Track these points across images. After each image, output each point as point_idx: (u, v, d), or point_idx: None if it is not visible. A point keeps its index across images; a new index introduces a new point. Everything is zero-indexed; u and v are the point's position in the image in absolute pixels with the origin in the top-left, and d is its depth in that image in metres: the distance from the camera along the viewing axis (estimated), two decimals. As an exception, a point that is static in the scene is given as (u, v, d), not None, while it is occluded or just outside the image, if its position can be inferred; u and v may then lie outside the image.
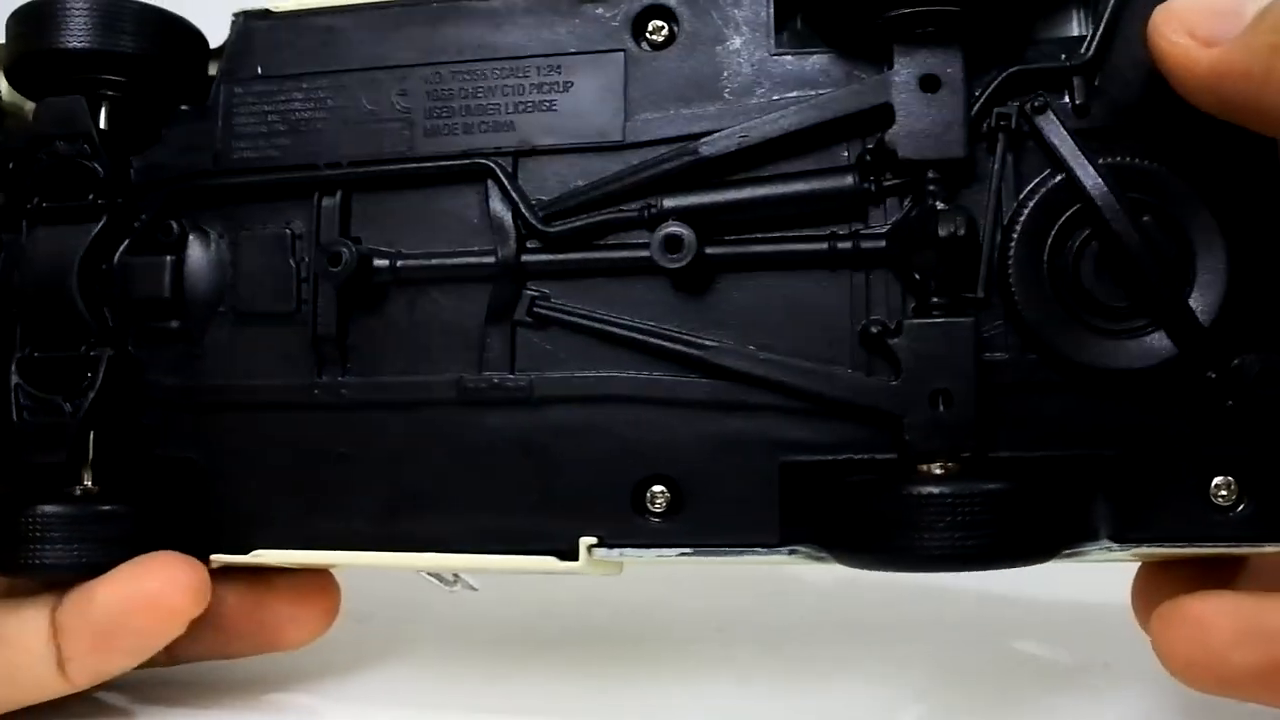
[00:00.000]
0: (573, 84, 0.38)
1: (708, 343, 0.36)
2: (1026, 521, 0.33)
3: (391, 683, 0.43)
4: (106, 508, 0.39)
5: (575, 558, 0.36)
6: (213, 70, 0.43)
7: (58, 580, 0.39)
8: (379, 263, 0.38)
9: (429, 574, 0.41)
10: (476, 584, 0.43)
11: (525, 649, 0.46)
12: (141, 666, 0.40)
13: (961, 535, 0.33)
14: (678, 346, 0.36)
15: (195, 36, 0.42)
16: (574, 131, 0.38)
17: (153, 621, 0.37)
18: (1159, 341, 0.34)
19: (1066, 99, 0.36)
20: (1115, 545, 0.34)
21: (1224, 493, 0.34)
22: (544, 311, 0.37)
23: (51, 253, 0.40)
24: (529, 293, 0.37)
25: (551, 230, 0.37)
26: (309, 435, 0.38)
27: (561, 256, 0.37)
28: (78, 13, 0.40)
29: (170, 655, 0.41)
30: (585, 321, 0.37)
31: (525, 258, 0.37)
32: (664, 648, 0.45)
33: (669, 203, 0.36)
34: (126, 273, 0.40)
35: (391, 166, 0.39)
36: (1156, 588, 0.37)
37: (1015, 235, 0.35)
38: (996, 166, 0.36)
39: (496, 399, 0.37)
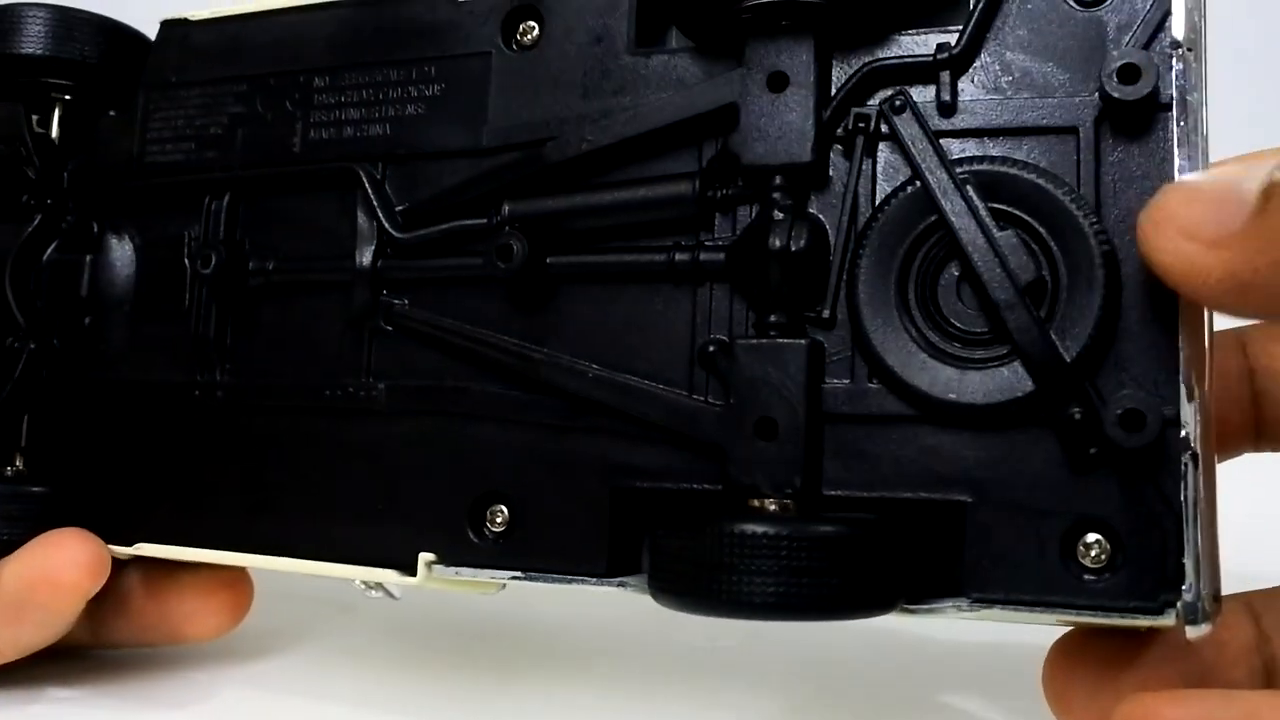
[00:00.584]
0: (444, 88, 0.36)
1: (536, 355, 0.33)
2: (859, 570, 0.29)
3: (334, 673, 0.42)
4: (20, 488, 0.39)
5: (414, 573, 0.34)
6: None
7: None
8: (254, 265, 0.37)
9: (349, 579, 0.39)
10: (398, 593, 0.41)
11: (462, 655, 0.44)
12: (69, 646, 0.40)
13: (784, 581, 0.29)
14: (512, 359, 0.34)
15: (145, 47, 0.42)
16: (438, 136, 0.36)
17: (53, 596, 0.38)
18: (1017, 374, 0.29)
19: (932, 97, 0.31)
20: (969, 604, 0.29)
21: (1094, 553, 0.28)
22: (399, 320, 0.36)
23: (-7, 251, 0.41)
24: (388, 301, 0.36)
25: (404, 237, 0.35)
26: (188, 433, 0.38)
27: (415, 264, 0.35)
28: (34, 20, 0.41)
29: (96, 637, 0.41)
30: (434, 332, 0.35)
31: (381, 264, 0.35)
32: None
33: (512, 209, 0.34)
34: (54, 271, 0.41)
35: (273, 170, 0.38)
36: (1068, 662, 0.32)
37: (865, 248, 0.31)
38: (854, 171, 0.31)
39: (350, 408, 0.36)
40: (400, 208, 0.36)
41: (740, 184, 0.32)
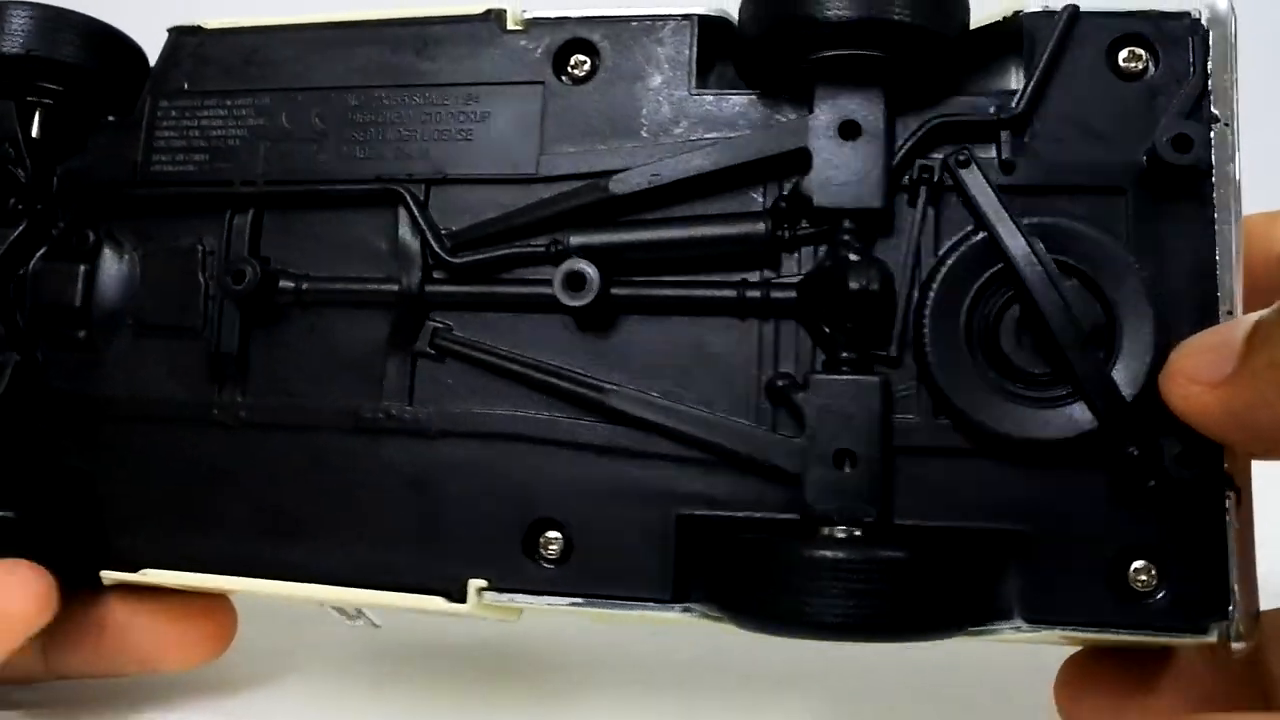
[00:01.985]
0: (490, 114, 0.34)
1: (606, 385, 0.32)
2: (928, 594, 0.29)
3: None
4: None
5: (463, 599, 0.32)
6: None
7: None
8: (284, 283, 0.34)
9: (331, 606, 0.37)
10: (379, 620, 0.39)
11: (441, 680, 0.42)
12: (16, 680, 0.36)
13: (856, 604, 0.29)
14: (576, 388, 0.32)
15: (135, 52, 0.39)
16: (488, 162, 0.34)
17: None
18: (1079, 413, 0.30)
19: (994, 153, 0.31)
20: (1026, 626, 0.29)
21: (1143, 578, 0.29)
22: (445, 344, 0.33)
23: (-30, 255, 0.37)
24: (432, 323, 0.34)
25: (457, 261, 0.33)
26: (202, 453, 0.35)
27: (465, 288, 0.33)
28: (18, 19, 0.37)
29: (50, 668, 0.37)
30: (486, 356, 0.33)
31: (429, 288, 0.33)
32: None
33: (576, 239, 0.33)
34: (40, 279, 0.37)
35: (303, 187, 0.35)
36: (1080, 679, 0.33)
37: (932, 293, 0.31)
38: (917, 220, 0.31)
39: (391, 429, 0.33)
40: (444, 230, 0.34)
41: (808, 225, 0.32)
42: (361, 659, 0.42)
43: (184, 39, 0.38)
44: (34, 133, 0.38)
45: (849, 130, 0.32)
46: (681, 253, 0.33)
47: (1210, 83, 0.31)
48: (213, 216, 0.37)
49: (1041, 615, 0.30)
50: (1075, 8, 0.32)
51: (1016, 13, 0.33)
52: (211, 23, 0.38)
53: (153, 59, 0.39)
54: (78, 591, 0.36)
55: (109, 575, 0.36)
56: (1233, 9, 0.32)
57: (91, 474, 0.36)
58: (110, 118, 0.38)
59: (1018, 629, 0.30)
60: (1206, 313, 0.30)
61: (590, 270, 0.32)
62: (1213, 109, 0.31)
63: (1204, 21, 0.31)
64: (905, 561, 0.29)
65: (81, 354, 0.37)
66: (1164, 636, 0.30)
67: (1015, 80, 0.33)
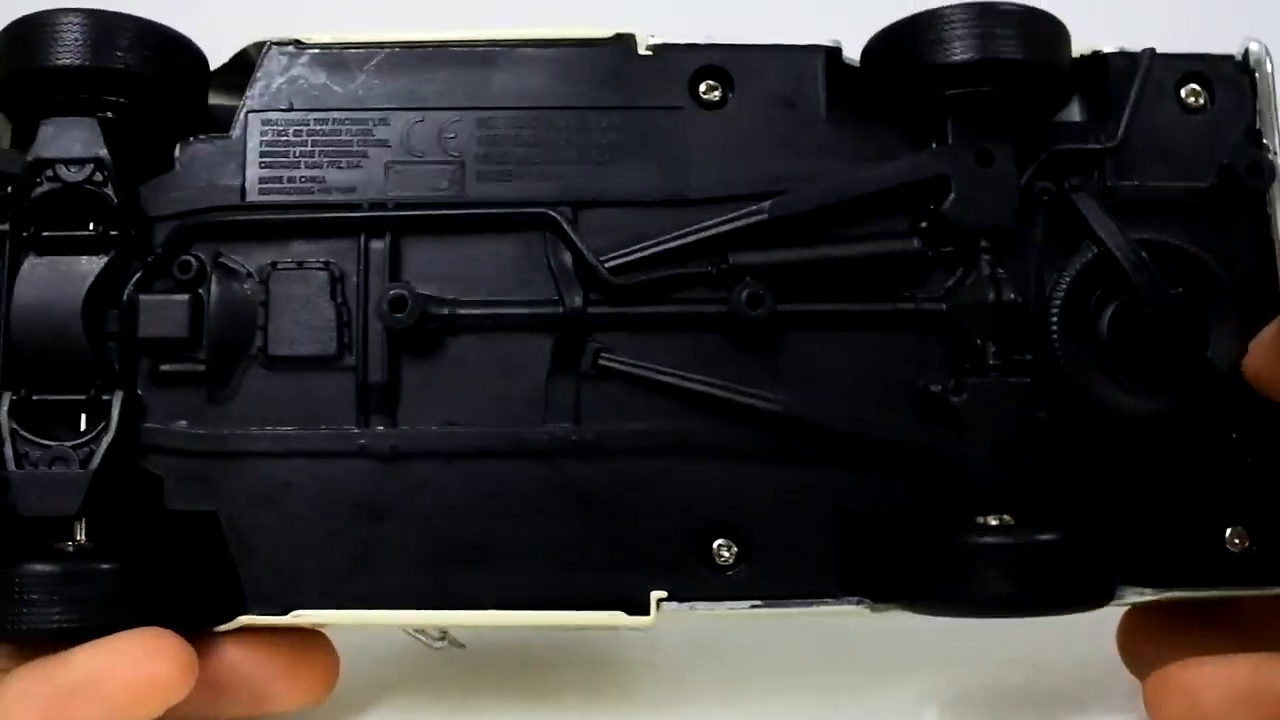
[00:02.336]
0: (629, 138, 0.35)
1: (772, 396, 0.34)
2: (1083, 570, 0.33)
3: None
4: (84, 565, 0.33)
5: (645, 612, 0.33)
6: (213, 96, 0.37)
7: (40, 644, 0.32)
8: (434, 309, 0.34)
9: (413, 632, 0.36)
10: (464, 640, 0.39)
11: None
12: None
13: (1024, 583, 0.32)
14: (743, 399, 0.34)
15: (197, 57, 0.36)
16: (634, 185, 0.35)
17: (127, 708, 0.31)
18: (1183, 399, 0.35)
19: (1095, 178, 0.35)
20: (1148, 590, 0.34)
21: (1237, 540, 0.34)
22: (608, 364, 0.34)
23: (51, 287, 0.34)
24: (593, 344, 0.34)
25: (620, 282, 0.34)
26: (352, 487, 0.34)
27: (628, 309, 0.34)
28: (73, 28, 0.35)
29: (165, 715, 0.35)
30: (650, 374, 0.34)
31: (591, 309, 0.34)
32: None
33: (739, 259, 0.34)
34: (137, 310, 0.34)
35: (447, 211, 0.34)
36: (1144, 631, 0.38)
37: (1058, 302, 0.35)
38: (1039, 237, 0.35)
39: (559, 452, 0.34)
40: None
41: (945, 244, 0.35)
42: (454, 679, 0.42)
43: (283, 53, 0.36)
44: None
45: (984, 158, 0.35)
46: (839, 271, 0.35)
47: (1260, 117, 0.37)
48: (338, 239, 0.35)
49: (1162, 578, 0.35)
50: (1154, 50, 0.37)
51: (1095, 52, 0.37)
52: (313, 37, 0.36)
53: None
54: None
55: (251, 620, 0.34)
56: (1267, 52, 0.37)
57: (217, 515, 0.34)
58: (203, 136, 0.36)
59: (1140, 594, 0.35)
60: (1271, 309, 0.36)
61: (764, 291, 0.34)
62: (1265, 140, 0.37)
63: (1251, 63, 0.37)
64: (1061, 543, 0.33)
65: (194, 388, 0.35)
66: (1256, 589, 0.35)
67: (1078, 112, 0.38)
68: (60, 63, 0.34)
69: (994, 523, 0.34)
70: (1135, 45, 0.37)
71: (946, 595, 0.33)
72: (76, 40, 0.35)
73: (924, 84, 0.35)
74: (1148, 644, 0.38)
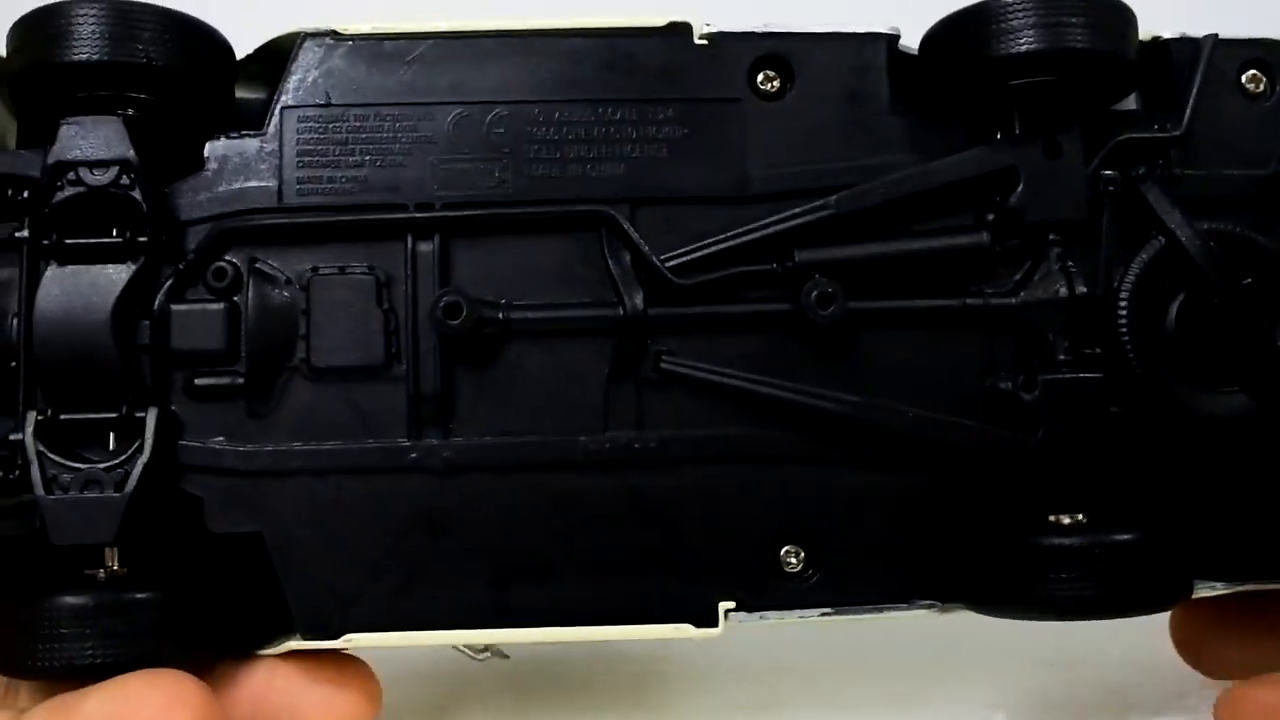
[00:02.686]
0: (688, 132, 0.34)
1: (843, 397, 0.32)
2: (1164, 567, 0.32)
3: None
4: (121, 596, 0.31)
5: (713, 623, 0.32)
6: (240, 90, 0.35)
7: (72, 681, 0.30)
8: (490, 314, 0.32)
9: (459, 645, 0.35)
10: (508, 651, 0.37)
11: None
12: None
13: (1101, 586, 0.32)
14: (812, 401, 0.33)
15: (223, 48, 0.34)
16: (693, 181, 0.33)
17: None
18: (1255, 396, 0.34)
19: (1160, 168, 0.34)
20: (1219, 584, 0.33)
21: None
22: (670, 368, 0.33)
23: (76, 297, 0.32)
24: (654, 348, 0.33)
25: (683, 282, 0.32)
26: (405, 502, 0.32)
27: (691, 310, 0.33)
28: (92, 20, 0.32)
29: None
30: (714, 378, 0.33)
31: (652, 311, 0.32)
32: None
33: (807, 256, 0.33)
34: (169, 320, 0.32)
35: (497, 210, 0.33)
36: (1199, 621, 0.37)
37: (1125, 295, 0.34)
38: (1106, 229, 0.34)
39: (622, 460, 0.33)
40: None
41: (1013, 239, 0.34)
42: (498, 692, 0.40)
43: (319, 45, 0.34)
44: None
45: (1052, 149, 0.34)
46: (907, 267, 0.34)
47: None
48: (382, 242, 0.34)
49: (1241, 573, 0.34)
50: (1216, 36, 0.36)
51: (1156, 39, 0.36)
52: (350, 28, 0.34)
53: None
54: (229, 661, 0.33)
55: (298, 644, 0.32)
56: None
57: (262, 536, 0.32)
58: (233, 134, 0.34)
59: (1212, 588, 0.34)
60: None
61: (834, 289, 0.32)
62: (1317, 129, 0.36)
63: None
64: (1138, 542, 0.32)
65: (233, 402, 0.33)
66: None
67: (1134, 101, 0.37)
68: (79, 58, 0.32)
69: (1067, 521, 0.33)
70: (1191, 31, 0.36)
71: (1021, 598, 0.32)
72: (96, 33, 0.32)
73: (990, 75, 0.33)
74: (1205, 633, 0.37)
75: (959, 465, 0.33)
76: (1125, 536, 0.32)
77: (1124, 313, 0.34)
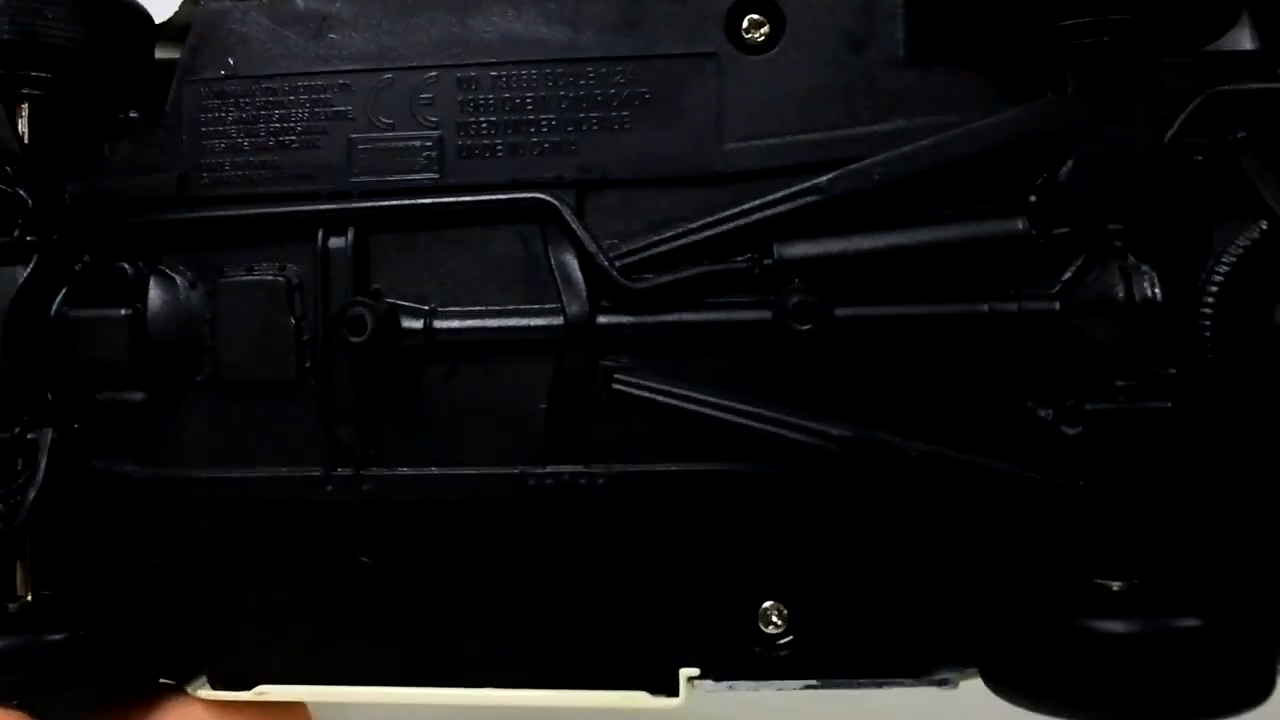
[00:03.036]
0: (651, 96, 0.27)
1: (834, 431, 0.26)
2: (1243, 659, 0.25)
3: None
4: (22, 639, 0.28)
5: (673, 692, 0.27)
6: (162, 58, 0.30)
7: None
8: (408, 323, 0.27)
9: None
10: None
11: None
12: None
13: (1164, 685, 0.25)
14: (794, 434, 0.26)
15: (138, 15, 0.29)
16: (655, 158, 0.27)
17: None
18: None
19: (1264, 132, 0.26)
20: None
21: None
22: (625, 388, 0.27)
23: (-40, 306, 0.28)
24: (604, 364, 0.27)
25: (637, 286, 0.26)
26: (321, 541, 0.28)
27: (648, 319, 0.27)
28: None
29: None
30: (676, 402, 0.27)
31: (601, 319, 0.27)
32: None
33: (788, 251, 0.26)
34: (68, 329, 0.28)
35: (420, 200, 0.27)
36: None
37: (1213, 298, 0.26)
38: (1186, 212, 0.26)
39: (567, 499, 0.27)
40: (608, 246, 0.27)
41: (1062, 225, 0.26)
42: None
43: (223, 5, 0.29)
44: (23, 137, 0.29)
45: (1114, 110, 0.26)
46: (916, 264, 0.27)
47: None
48: (296, 239, 0.29)
49: None
50: None
51: (1273, -48, 0.27)
52: (259, -14, 0.29)
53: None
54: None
55: (207, 694, 0.29)
56: None
57: (169, 572, 0.29)
58: (133, 114, 0.29)
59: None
60: None
61: (811, 296, 0.26)
62: None
63: None
64: (1214, 628, 0.25)
65: (139, 422, 0.29)
66: None
67: (1247, 38, 0.28)
68: None
69: (1117, 588, 0.26)
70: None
71: (1058, 692, 0.26)
72: None
73: (1034, 14, 0.26)
74: None
75: (979, 515, 0.27)
76: (1194, 621, 0.25)
77: (1209, 322, 0.26)
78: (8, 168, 0.28)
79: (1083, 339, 0.27)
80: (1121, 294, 0.26)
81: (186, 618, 0.29)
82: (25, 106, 0.30)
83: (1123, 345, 0.26)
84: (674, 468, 0.28)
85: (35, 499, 0.28)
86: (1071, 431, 0.26)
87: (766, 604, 0.28)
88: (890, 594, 0.27)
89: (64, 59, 0.29)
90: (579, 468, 0.28)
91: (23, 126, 0.29)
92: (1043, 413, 0.27)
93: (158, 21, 0.30)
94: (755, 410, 0.27)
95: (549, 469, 0.28)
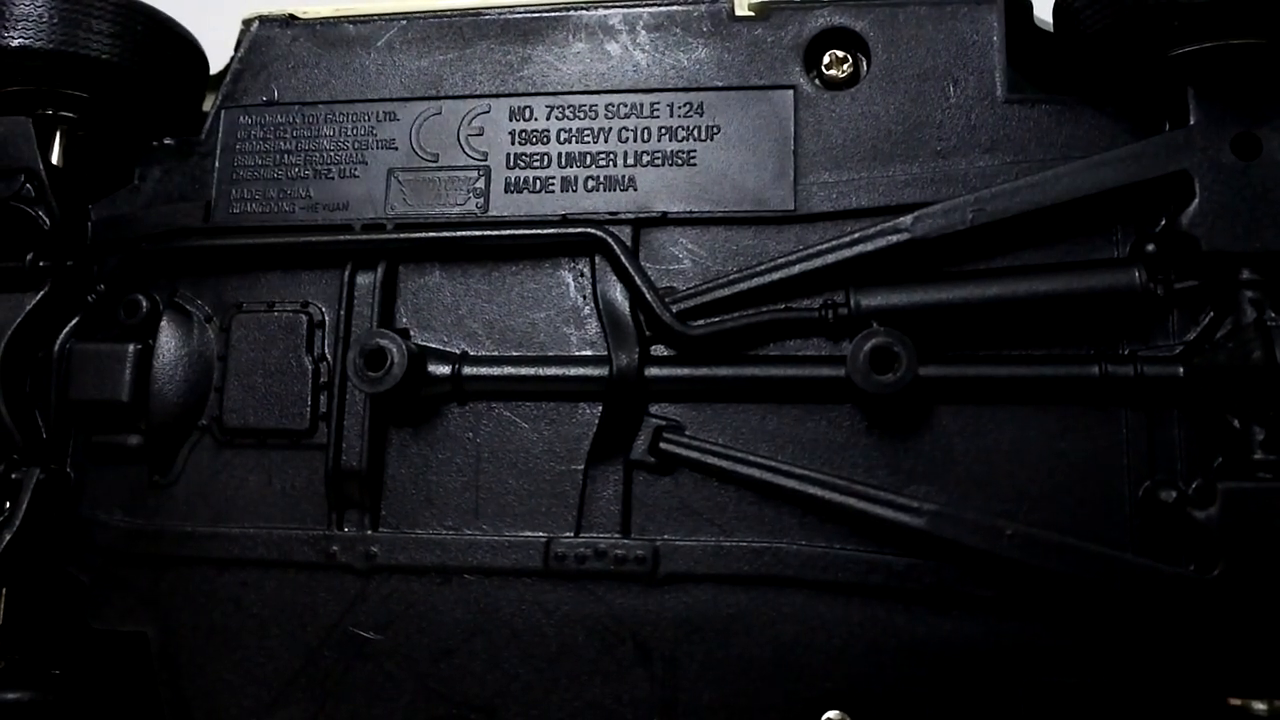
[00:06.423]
0: (719, 129, 0.25)
1: (919, 505, 0.22)
2: None
3: None
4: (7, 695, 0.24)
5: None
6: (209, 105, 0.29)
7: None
8: (436, 368, 0.24)
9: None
10: None
11: None
12: None
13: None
14: (875, 508, 0.22)
15: (190, 48, 0.28)
16: (720, 194, 0.25)
17: None
18: None
19: None
20: None
21: None
22: (674, 449, 0.23)
23: (-36, 332, 0.26)
24: (653, 420, 0.23)
25: (691, 332, 0.23)
26: (320, 607, 0.24)
27: (703, 371, 0.24)
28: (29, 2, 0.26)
29: None
30: (733, 466, 0.23)
31: (651, 370, 0.23)
32: None
33: (867, 300, 0.23)
34: (72, 363, 0.26)
35: (461, 232, 0.25)
36: None
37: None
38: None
39: (601, 572, 0.24)
40: (664, 289, 0.24)
41: (1192, 276, 0.23)
42: None
43: (270, 33, 0.27)
44: (55, 160, 0.27)
45: (1247, 144, 0.23)
46: (1014, 317, 0.23)
47: None
48: (324, 272, 0.26)
49: None
50: None
51: None
52: (308, 11, 0.27)
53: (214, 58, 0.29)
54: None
55: (183, 781, 0.25)
56: None
57: (150, 639, 0.25)
58: (167, 140, 0.28)
59: None
60: None
61: (899, 345, 0.22)
62: None
63: None
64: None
65: (133, 468, 0.26)
66: None
67: None
68: (11, 43, 0.27)
69: (1260, 711, 0.21)
70: None
71: None
72: (34, 16, 0.27)
73: (1151, 39, 0.23)
74: None
75: (1089, 610, 0.22)
76: None
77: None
78: (29, 185, 0.26)
79: (1213, 407, 0.23)
80: (1259, 354, 0.22)
81: (164, 689, 0.25)
82: (60, 129, 0.28)
83: (1260, 414, 0.22)
84: (723, 542, 0.24)
85: (10, 542, 0.25)
86: (1201, 515, 0.22)
87: (830, 715, 0.23)
88: (971, 704, 0.23)
89: (103, 75, 0.27)
90: (616, 537, 0.24)
91: (56, 148, 0.28)
92: (1164, 493, 0.23)
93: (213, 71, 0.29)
94: (822, 477, 0.24)
95: (582, 537, 0.24)
